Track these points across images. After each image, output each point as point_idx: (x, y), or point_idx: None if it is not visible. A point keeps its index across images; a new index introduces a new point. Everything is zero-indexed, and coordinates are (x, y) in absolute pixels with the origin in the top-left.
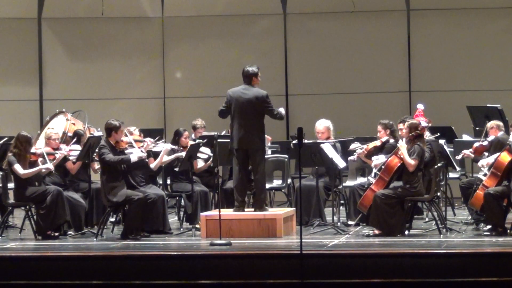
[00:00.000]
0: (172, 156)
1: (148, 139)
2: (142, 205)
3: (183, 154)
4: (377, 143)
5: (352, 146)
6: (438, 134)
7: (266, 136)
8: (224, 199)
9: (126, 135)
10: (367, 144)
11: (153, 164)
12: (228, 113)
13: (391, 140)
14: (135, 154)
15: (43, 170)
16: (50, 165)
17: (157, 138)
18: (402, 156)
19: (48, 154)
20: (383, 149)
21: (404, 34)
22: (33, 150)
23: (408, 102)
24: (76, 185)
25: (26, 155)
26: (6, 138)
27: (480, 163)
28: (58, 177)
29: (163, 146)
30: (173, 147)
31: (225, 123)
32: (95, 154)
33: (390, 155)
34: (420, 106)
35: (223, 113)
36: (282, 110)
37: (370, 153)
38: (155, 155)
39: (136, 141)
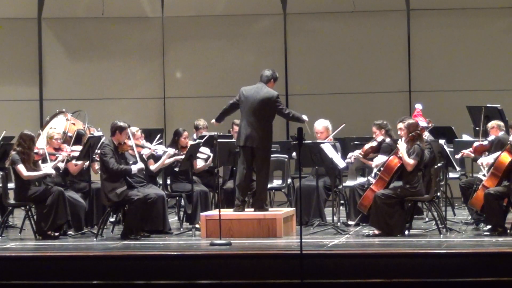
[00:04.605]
0: (172, 159)
1: (149, 145)
2: (142, 205)
3: (179, 157)
4: (373, 143)
5: (349, 155)
6: (428, 133)
7: None
8: (224, 199)
9: (129, 138)
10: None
11: (154, 167)
12: (235, 109)
13: (387, 140)
14: (136, 167)
15: (46, 172)
16: (51, 170)
17: (157, 138)
18: (401, 156)
19: (50, 154)
20: (380, 149)
21: (404, 34)
22: (34, 150)
23: (408, 102)
24: (76, 185)
25: (30, 153)
26: (4, 132)
27: (479, 161)
28: (58, 177)
29: (162, 149)
30: (175, 151)
31: (226, 124)
32: (95, 154)
33: (390, 155)
34: (419, 106)
35: (232, 106)
36: (304, 116)
37: (367, 154)
38: (156, 157)
39: (137, 146)
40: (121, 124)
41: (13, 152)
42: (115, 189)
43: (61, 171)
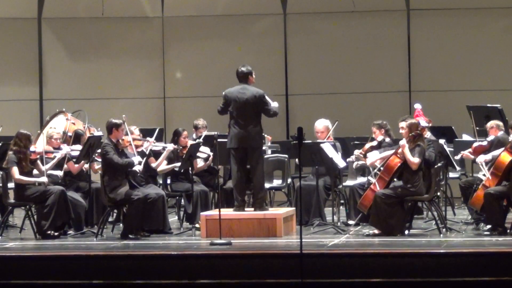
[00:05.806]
0: (170, 166)
1: (148, 138)
2: (142, 204)
3: (178, 164)
4: (374, 143)
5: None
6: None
7: (266, 135)
8: (224, 199)
9: (127, 134)
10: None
11: (155, 164)
12: (225, 113)
13: (387, 139)
14: (136, 159)
15: (37, 183)
16: (44, 179)
17: (156, 131)
18: (404, 155)
19: (47, 152)
20: (380, 148)
21: (404, 34)
22: (32, 148)
23: (408, 102)
24: (76, 185)
25: (26, 152)
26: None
27: (478, 159)
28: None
29: (162, 145)
30: (175, 146)
31: (226, 124)
32: (96, 154)
33: (391, 155)
34: (418, 106)
35: (222, 111)
36: (276, 105)
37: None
38: (156, 155)
39: (135, 139)
40: (116, 121)
41: (10, 152)
42: (118, 188)
43: (60, 181)
